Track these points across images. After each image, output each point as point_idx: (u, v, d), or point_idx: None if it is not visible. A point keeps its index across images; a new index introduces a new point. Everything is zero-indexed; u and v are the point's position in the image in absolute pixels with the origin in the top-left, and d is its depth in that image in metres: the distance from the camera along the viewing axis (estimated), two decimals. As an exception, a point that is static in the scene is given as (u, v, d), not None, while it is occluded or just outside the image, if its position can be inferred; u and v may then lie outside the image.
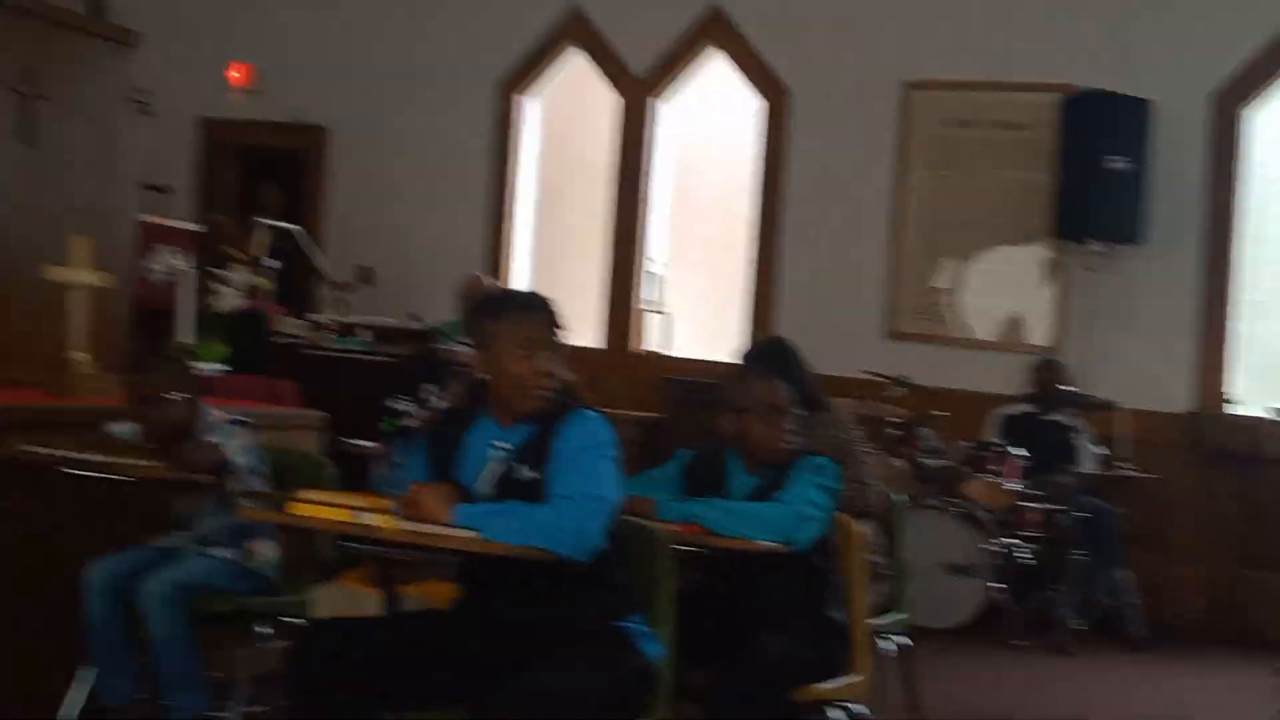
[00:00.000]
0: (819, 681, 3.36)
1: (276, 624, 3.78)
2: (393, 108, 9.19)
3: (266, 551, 3.89)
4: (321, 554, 3.89)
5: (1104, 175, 7.34)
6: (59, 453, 3.74)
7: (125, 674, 3.74)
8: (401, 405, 3.70)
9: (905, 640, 4.38)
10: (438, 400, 3.68)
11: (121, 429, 3.89)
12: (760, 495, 3.54)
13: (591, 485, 2.85)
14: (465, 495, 2.92)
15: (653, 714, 2.94)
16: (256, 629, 3.80)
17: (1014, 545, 6.88)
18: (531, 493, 2.88)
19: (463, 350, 6.39)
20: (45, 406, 4.07)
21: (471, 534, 2.72)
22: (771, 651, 3.23)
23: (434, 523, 2.76)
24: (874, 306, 8.20)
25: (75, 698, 3.78)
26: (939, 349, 8.04)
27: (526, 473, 2.92)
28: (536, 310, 3.01)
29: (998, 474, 6.87)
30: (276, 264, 7.57)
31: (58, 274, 4.30)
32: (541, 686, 2.63)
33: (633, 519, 3.21)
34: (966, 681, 5.85)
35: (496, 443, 2.98)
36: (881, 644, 4.24)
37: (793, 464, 3.56)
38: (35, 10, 4.68)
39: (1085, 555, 6.73)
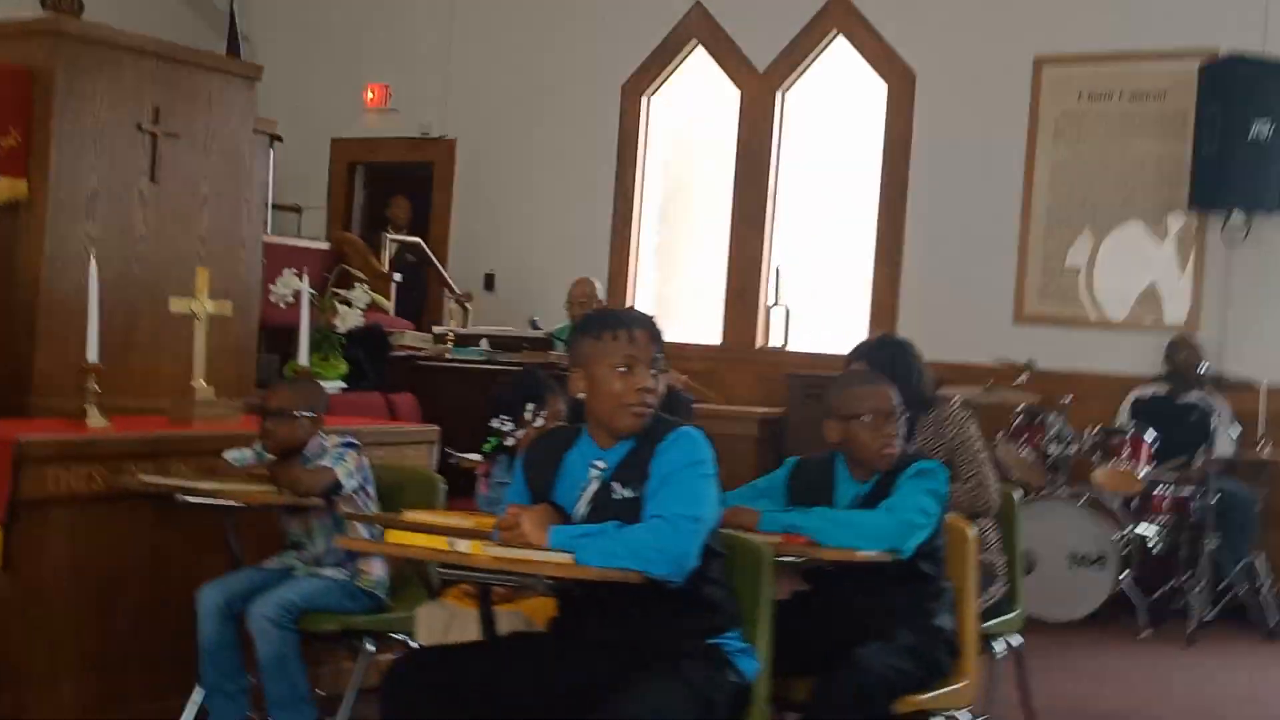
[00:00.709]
0: (924, 691, 3.31)
1: (383, 641, 3.86)
2: (518, 117, 9.37)
3: (375, 570, 3.97)
4: (427, 573, 3.96)
5: (1246, 143, 7.14)
6: (175, 482, 3.88)
7: (236, 694, 3.85)
8: (502, 425, 3.73)
9: (1018, 640, 4.29)
10: (536, 418, 3.69)
11: (237, 456, 4.01)
12: (868, 503, 3.48)
13: (688, 505, 2.83)
14: (564, 516, 2.94)
15: (748, 731, 2.93)
16: (364, 646, 3.87)
17: (1144, 533, 6.74)
18: (629, 512, 2.87)
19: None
20: (166, 435, 4.19)
21: (565, 557, 2.73)
22: (872, 661, 3.18)
23: (530, 545, 2.79)
24: (1002, 290, 8.08)
25: (187, 717, 3.91)
26: (1070, 331, 7.90)
27: (624, 492, 2.92)
28: (635, 328, 2.98)
29: (1128, 459, 6.71)
30: (399, 277, 7.71)
31: (180, 305, 4.42)
32: (634, 710, 2.63)
33: (734, 532, 3.20)
34: (1085, 677, 5.73)
35: (595, 462, 2.98)
36: (995, 645, 4.18)
37: (901, 470, 3.51)
38: (164, 53, 4.85)
39: (1218, 541, 6.55)
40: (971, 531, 3.63)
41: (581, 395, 2.99)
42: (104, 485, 3.90)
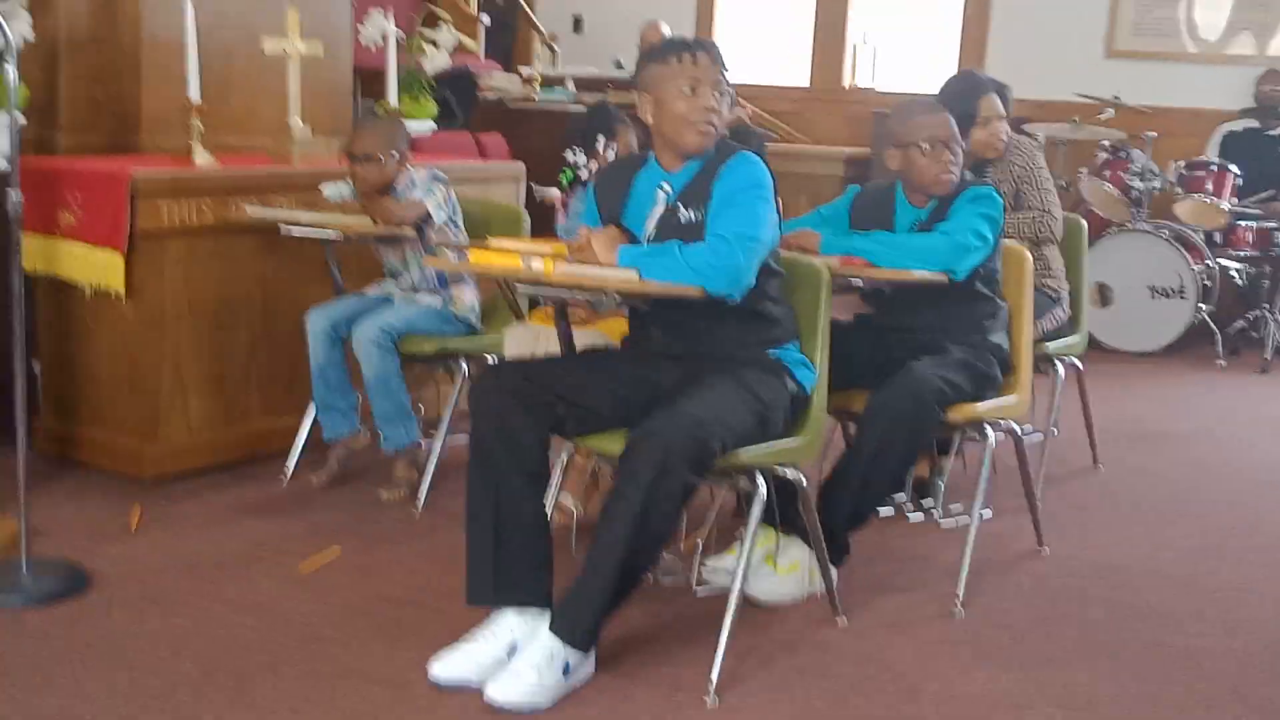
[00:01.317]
0: (978, 402, 3.52)
1: (476, 362, 4.15)
2: None
3: (467, 297, 4.24)
4: (514, 299, 4.22)
5: None
6: (279, 214, 4.15)
7: (346, 410, 4.18)
8: (575, 156, 3.91)
9: (1077, 362, 4.47)
10: (608, 149, 3.87)
11: (333, 190, 4.25)
12: (926, 228, 3.63)
13: (745, 225, 3.00)
14: (632, 238, 3.14)
15: (802, 434, 3.17)
16: (459, 367, 4.17)
17: (1225, 266, 6.82)
18: (692, 233, 3.05)
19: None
20: (267, 171, 4.43)
21: (632, 274, 2.92)
22: (924, 373, 3.38)
23: (601, 264, 3.01)
24: (1095, 23, 7.94)
25: (303, 431, 4.28)
26: (1161, 65, 7.79)
27: (688, 214, 3.09)
28: (699, 50, 3.10)
29: (1212, 193, 6.73)
30: (487, 20, 7.77)
31: (273, 45, 4.60)
32: (692, 408, 2.87)
33: (795, 254, 3.39)
34: (1154, 402, 5.92)
35: (662, 184, 3.16)
36: (1058, 366, 4.37)
37: (957, 196, 3.64)
38: None
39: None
40: (1027, 255, 3.76)
41: (649, 120, 3.15)
42: (213, 218, 4.19)
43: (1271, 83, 7.11)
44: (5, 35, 3.15)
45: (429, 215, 4.06)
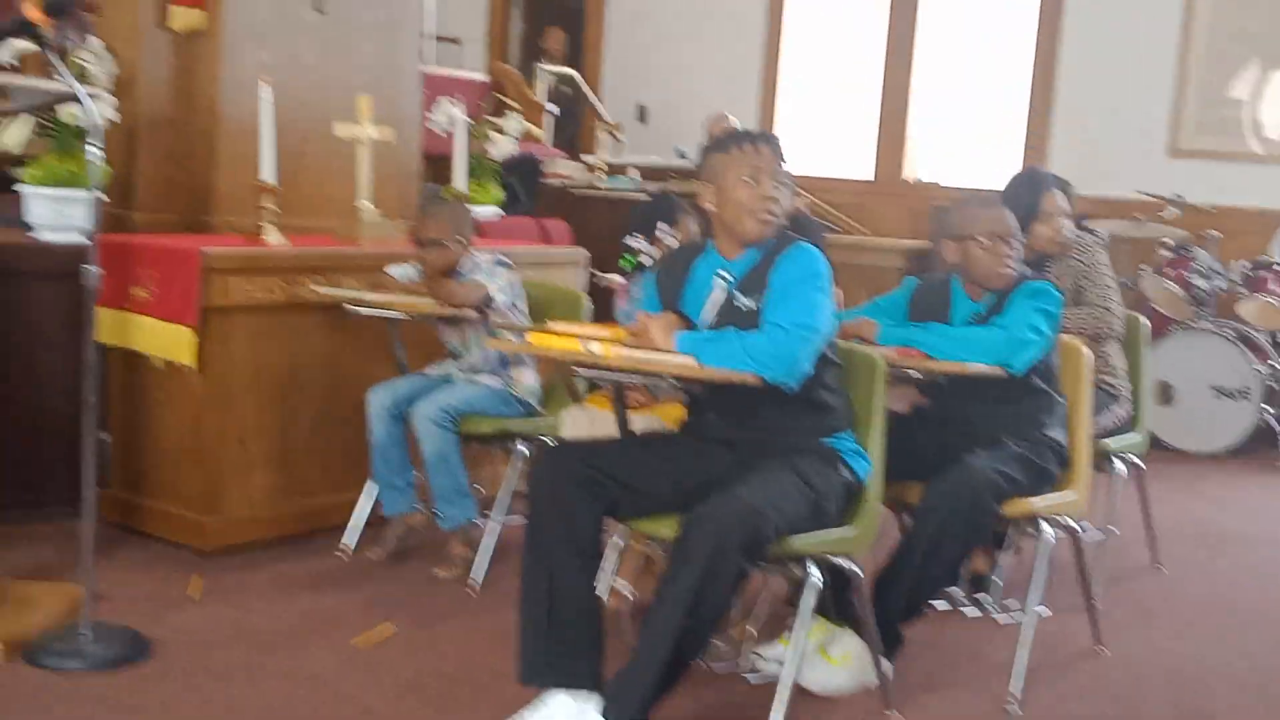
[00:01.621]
0: (1033, 496, 3.50)
1: (533, 443, 4.19)
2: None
3: (527, 379, 4.30)
4: (572, 383, 4.27)
5: None
6: (346, 293, 4.23)
7: (404, 488, 4.24)
8: (637, 243, 3.97)
9: (1138, 461, 4.43)
10: (669, 237, 3.93)
11: (399, 271, 4.34)
12: (983, 321, 3.65)
13: (802, 315, 3.04)
14: (690, 324, 3.19)
15: (856, 524, 3.17)
16: (517, 448, 4.21)
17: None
18: (750, 321, 3.09)
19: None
20: (335, 251, 4.53)
21: (689, 360, 2.97)
22: (980, 466, 3.37)
23: (659, 350, 3.05)
24: (1158, 123, 7.97)
25: (363, 507, 4.32)
26: (1226, 165, 7.78)
27: (747, 302, 3.15)
28: (760, 142, 3.18)
29: (1277, 294, 6.68)
30: (555, 109, 7.92)
31: (345, 130, 4.73)
32: (746, 494, 2.89)
33: (851, 343, 3.42)
34: (1216, 503, 5.84)
35: (721, 272, 3.22)
36: (1117, 465, 4.33)
37: (1014, 290, 3.66)
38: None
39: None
40: (1086, 350, 3.76)
41: (711, 207, 3.21)
42: (282, 296, 4.28)
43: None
44: (91, 117, 3.27)
45: (491, 298, 4.14)
